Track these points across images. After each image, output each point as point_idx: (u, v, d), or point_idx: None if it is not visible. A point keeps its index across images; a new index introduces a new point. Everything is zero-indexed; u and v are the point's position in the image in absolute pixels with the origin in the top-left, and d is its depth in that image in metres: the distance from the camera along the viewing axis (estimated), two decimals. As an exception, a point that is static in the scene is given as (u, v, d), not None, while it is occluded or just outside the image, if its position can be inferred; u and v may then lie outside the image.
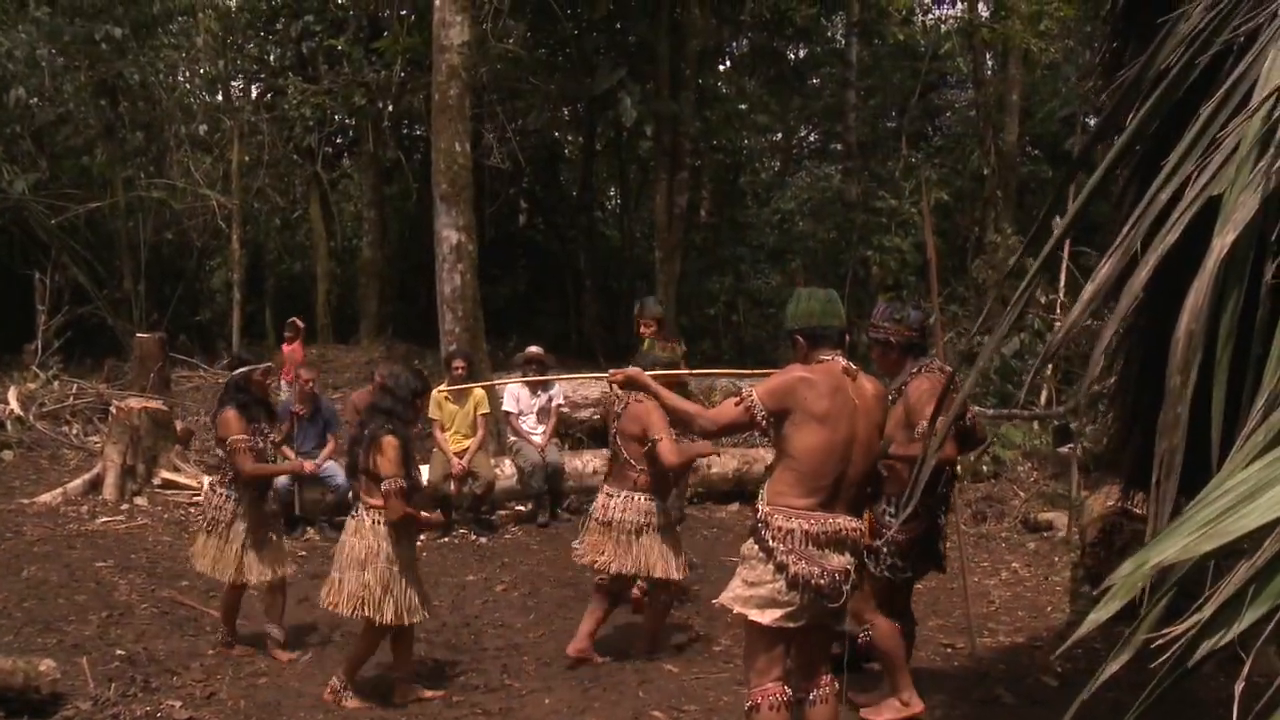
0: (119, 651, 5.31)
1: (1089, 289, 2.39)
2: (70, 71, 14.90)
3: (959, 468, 5.27)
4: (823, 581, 3.55)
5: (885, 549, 4.43)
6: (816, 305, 3.75)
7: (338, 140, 17.74)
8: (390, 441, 4.74)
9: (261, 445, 5.50)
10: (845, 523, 3.65)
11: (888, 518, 4.40)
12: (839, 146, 19.71)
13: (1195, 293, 1.97)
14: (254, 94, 17.80)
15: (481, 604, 6.68)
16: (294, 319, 11.93)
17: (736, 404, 3.67)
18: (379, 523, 4.80)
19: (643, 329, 6.93)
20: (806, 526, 3.57)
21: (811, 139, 24.73)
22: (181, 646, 5.51)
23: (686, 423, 4.02)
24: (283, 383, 10.63)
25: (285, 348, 11.51)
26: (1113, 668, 1.71)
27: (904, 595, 4.74)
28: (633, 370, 4.13)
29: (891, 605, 4.61)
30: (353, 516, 4.89)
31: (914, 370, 4.51)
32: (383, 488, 4.73)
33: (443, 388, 8.33)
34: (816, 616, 3.65)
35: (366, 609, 4.74)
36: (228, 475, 5.43)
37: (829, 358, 3.68)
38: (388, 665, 5.08)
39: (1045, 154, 19.27)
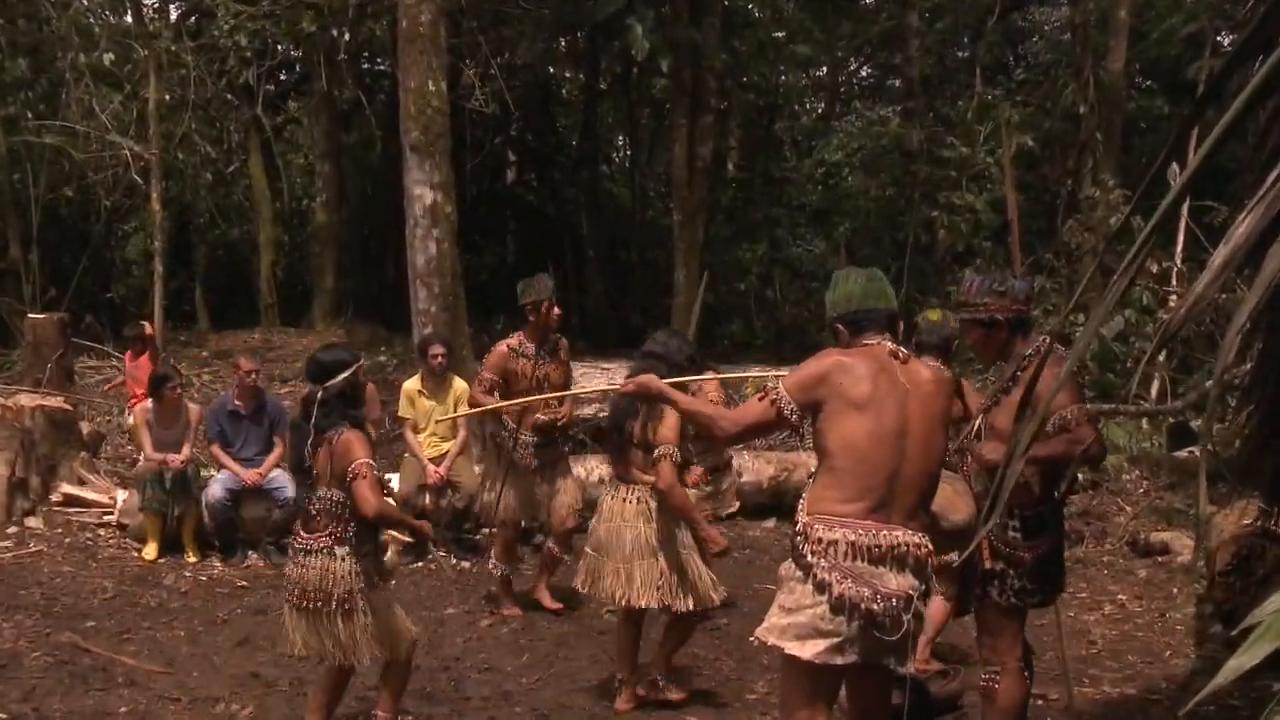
0: (0, 715, 5.24)
1: (1221, 254, 2.36)
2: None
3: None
4: (875, 606, 3.52)
5: (1012, 571, 4.45)
6: (856, 287, 3.85)
7: (282, 77, 17.78)
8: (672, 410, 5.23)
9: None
10: (905, 535, 3.61)
11: (1011, 534, 4.43)
12: (897, 83, 19.65)
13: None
14: (174, 16, 17.72)
15: (464, 642, 6.67)
16: (141, 323, 11.47)
17: (761, 399, 3.73)
18: None
19: (551, 311, 6.96)
20: (853, 537, 3.56)
21: (864, 74, 24.72)
22: (85, 705, 5.45)
23: (706, 428, 4.07)
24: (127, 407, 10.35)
25: (129, 361, 10.81)
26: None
27: (1022, 622, 4.74)
28: (644, 379, 4.28)
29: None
30: (621, 500, 5.39)
31: (1028, 352, 4.46)
32: (666, 454, 5.19)
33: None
34: (869, 652, 3.59)
35: (669, 599, 5.28)
36: (344, 527, 4.76)
37: (873, 342, 3.75)
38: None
39: (1161, 85, 19.02)
